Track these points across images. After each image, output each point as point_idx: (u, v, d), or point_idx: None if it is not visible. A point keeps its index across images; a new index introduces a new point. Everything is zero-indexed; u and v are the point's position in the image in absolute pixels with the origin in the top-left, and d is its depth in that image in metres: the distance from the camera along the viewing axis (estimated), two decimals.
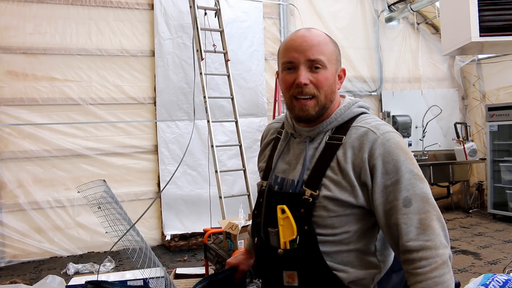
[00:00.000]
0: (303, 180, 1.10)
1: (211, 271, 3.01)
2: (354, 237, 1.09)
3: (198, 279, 1.40)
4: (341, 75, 1.17)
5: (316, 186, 1.07)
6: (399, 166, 1.02)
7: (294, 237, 1.08)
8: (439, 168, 6.22)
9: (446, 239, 1.01)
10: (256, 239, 1.26)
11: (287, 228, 1.09)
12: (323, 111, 1.12)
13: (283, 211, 1.09)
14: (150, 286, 1.54)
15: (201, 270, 3.45)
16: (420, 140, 6.46)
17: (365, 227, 1.10)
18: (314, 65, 1.08)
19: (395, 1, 6.36)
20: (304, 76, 1.08)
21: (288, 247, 1.09)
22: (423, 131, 6.42)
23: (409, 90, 6.61)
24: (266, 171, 1.26)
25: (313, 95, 1.09)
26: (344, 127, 1.12)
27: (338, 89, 1.17)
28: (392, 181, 1.02)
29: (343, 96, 1.21)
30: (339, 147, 1.08)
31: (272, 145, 1.29)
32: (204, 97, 4.64)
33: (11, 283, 3.49)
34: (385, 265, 1.15)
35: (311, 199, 1.07)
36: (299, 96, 1.10)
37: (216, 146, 4.59)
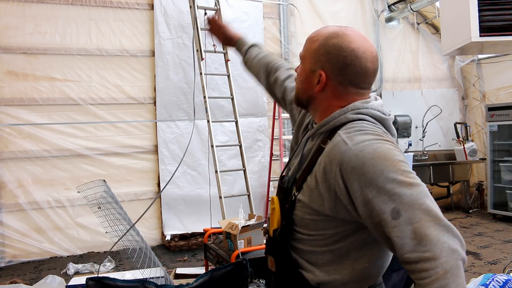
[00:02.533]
0: (294, 178, 1.14)
1: None
2: (330, 240, 1.06)
3: None
4: (320, 79, 1.08)
5: (298, 187, 1.10)
6: (376, 177, 0.93)
7: (277, 227, 1.15)
8: (439, 168, 6.22)
9: (452, 241, 0.90)
10: None
11: (274, 218, 1.17)
12: (302, 104, 1.18)
13: (273, 202, 1.18)
14: (150, 281, 1.54)
15: (201, 270, 3.45)
16: (420, 140, 6.46)
17: (341, 232, 1.05)
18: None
19: (395, 1, 6.36)
20: (297, 66, 1.19)
21: (271, 235, 1.18)
22: (423, 131, 6.42)
23: (409, 90, 6.61)
24: (288, 162, 1.30)
25: (296, 84, 1.19)
26: (333, 132, 1.06)
27: (316, 91, 1.10)
28: (373, 194, 0.93)
29: (368, 97, 1.14)
30: (321, 153, 1.05)
31: (303, 130, 1.28)
32: (204, 97, 4.64)
33: (11, 283, 3.49)
34: (368, 272, 1.08)
35: (293, 198, 1.10)
36: None
37: (216, 146, 4.59)
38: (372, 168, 0.94)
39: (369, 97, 1.13)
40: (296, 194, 1.10)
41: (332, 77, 1.07)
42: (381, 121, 1.09)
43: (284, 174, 1.26)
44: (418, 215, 0.90)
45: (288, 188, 1.15)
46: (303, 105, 1.19)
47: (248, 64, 1.63)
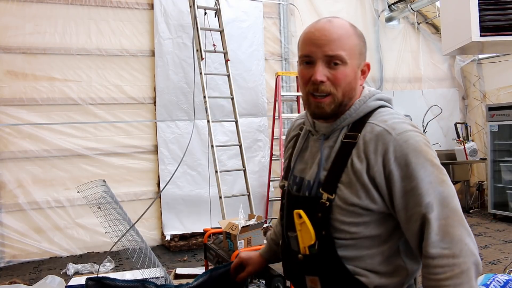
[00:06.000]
0: (319, 182, 1.06)
1: None
2: (376, 241, 1.03)
3: None
4: (365, 70, 1.10)
5: (332, 189, 1.02)
6: (418, 169, 0.95)
7: (313, 242, 1.04)
8: None
9: (472, 244, 0.93)
10: (281, 241, 1.26)
11: (305, 233, 1.05)
12: (340, 108, 1.07)
13: (300, 216, 1.06)
14: (150, 281, 1.53)
15: (201, 270, 3.44)
16: None
17: (387, 231, 1.04)
18: (333, 61, 1.02)
19: (395, 0, 6.35)
20: (321, 73, 1.02)
21: (307, 252, 1.06)
22: (424, 131, 6.40)
23: (409, 90, 6.61)
24: (287, 170, 1.23)
25: (329, 93, 1.04)
26: (360, 123, 1.05)
27: (361, 85, 1.11)
28: (412, 186, 0.96)
29: (362, 87, 1.13)
30: (354, 146, 1.02)
31: (294, 142, 1.25)
32: (204, 97, 4.64)
33: (11, 283, 3.49)
34: (413, 268, 1.07)
35: (328, 203, 1.02)
36: (315, 93, 1.04)
37: (216, 146, 4.58)
38: (415, 159, 0.96)
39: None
40: (331, 197, 1.02)
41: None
42: (389, 102, 1.14)
43: (291, 183, 1.17)
44: (446, 213, 0.94)
45: (313, 195, 1.07)
46: (342, 110, 1.07)
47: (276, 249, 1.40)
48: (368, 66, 1.11)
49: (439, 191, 0.95)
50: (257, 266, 1.39)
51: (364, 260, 1.03)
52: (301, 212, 1.05)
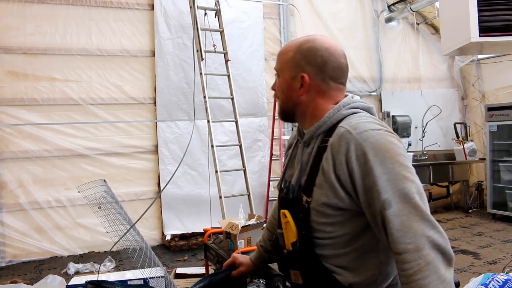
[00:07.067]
0: (299, 185, 1.15)
1: (211, 271, 3.02)
2: (350, 239, 1.08)
3: (198, 279, 1.41)
4: (302, 82, 1.15)
5: (309, 192, 1.10)
6: (376, 167, 0.98)
7: (295, 240, 1.15)
8: (439, 168, 6.22)
9: (437, 236, 0.95)
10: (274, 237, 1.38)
11: (289, 231, 1.16)
12: (288, 114, 1.22)
13: (285, 216, 1.17)
14: (150, 285, 1.54)
15: (201, 270, 3.45)
16: (420, 140, 6.46)
17: (360, 228, 1.08)
18: (276, 73, 1.23)
19: (395, 1, 6.36)
20: (274, 82, 1.25)
21: (290, 248, 1.17)
22: (423, 131, 6.42)
23: (408, 90, 6.62)
24: (282, 175, 1.32)
25: (278, 98, 1.24)
26: (332, 129, 1.11)
27: (300, 95, 1.16)
28: (371, 183, 0.99)
29: (345, 96, 1.20)
30: (325, 150, 1.09)
31: (291, 150, 1.34)
32: (204, 97, 4.65)
33: (12, 282, 3.49)
34: (393, 266, 1.10)
35: (306, 205, 1.10)
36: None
37: (216, 146, 4.59)
38: (373, 157, 0.99)
39: (347, 95, 1.20)
40: (308, 200, 1.10)
41: (314, 77, 1.15)
42: (368, 111, 1.17)
43: (282, 186, 1.27)
44: (407, 208, 0.96)
45: (295, 197, 1.16)
46: (289, 116, 1.23)
47: (265, 240, 1.51)
48: (304, 77, 1.15)
49: (399, 188, 0.97)
50: (248, 268, 1.50)
51: (340, 258, 1.10)
52: (286, 212, 1.16)
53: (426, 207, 0.98)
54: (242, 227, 2.60)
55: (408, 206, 0.96)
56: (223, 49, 4.96)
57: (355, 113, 1.13)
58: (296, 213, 1.14)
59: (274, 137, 5.45)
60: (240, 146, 4.81)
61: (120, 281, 2.47)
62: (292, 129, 5.68)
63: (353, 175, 1.01)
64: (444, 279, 0.92)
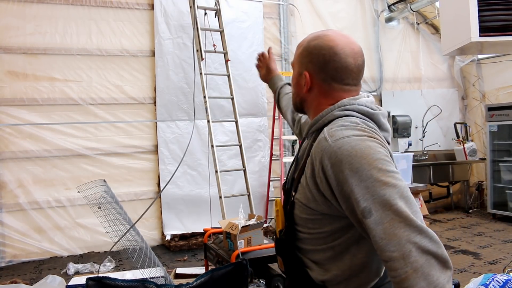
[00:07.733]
0: (292, 178, 1.18)
1: None
2: (327, 236, 1.08)
3: None
4: (305, 80, 1.15)
5: (295, 188, 1.12)
6: (351, 175, 0.94)
7: (281, 229, 1.20)
8: (439, 168, 6.22)
9: (424, 241, 0.89)
10: None
11: (279, 219, 1.22)
12: (298, 108, 1.25)
13: (277, 204, 1.23)
14: (150, 281, 1.54)
15: (201, 270, 3.45)
16: (420, 140, 6.46)
17: (338, 228, 1.07)
18: None
19: (395, 1, 6.36)
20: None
21: (277, 236, 1.23)
22: (423, 131, 6.42)
23: (409, 90, 6.62)
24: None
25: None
26: (321, 130, 1.09)
27: (305, 92, 1.16)
28: (348, 192, 0.95)
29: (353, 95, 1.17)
30: (310, 151, 1.08)
31: None
32: (204, 97, 4.65)
33: (11, 283, 3.50)
34: (375, 270, 1.09)
35: (292, 199, 1.13)
36: None
37: (216, 146, 4.59)
38: (348, 165, 0.95)
39: (358, 95, 1.15)
40: (294, 194, 1.13)
41: (315, 76, 1.14)
42: (369, 116, 1.10)
43: (289, 176, 1.30)
44: (389, 215, 0.91)
45: (288, 189, 1.19)
46: (299, 109, 1.26)
47: (280, 97, 1.78)
48: (307, 77, 1.14)
49: (379, 195, 0.92)
50: (268, 70, 1.84)
51: (317, 253, 1.11)
52: (278, 201, 1.21)
53: (412, 211, 0.91)
54: (242, 227, 2.59)
55: (390, 213, 0.91)
56: (223, 49, 4.96)
57: (347, 115, 1.08)
58: (285, 204, 1.18)
59: (274, 137, 5.45)
60: (240, 146, 4.81)
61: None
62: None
63: (331, 183, 0.99)
64: (436, 285, 0.87)
